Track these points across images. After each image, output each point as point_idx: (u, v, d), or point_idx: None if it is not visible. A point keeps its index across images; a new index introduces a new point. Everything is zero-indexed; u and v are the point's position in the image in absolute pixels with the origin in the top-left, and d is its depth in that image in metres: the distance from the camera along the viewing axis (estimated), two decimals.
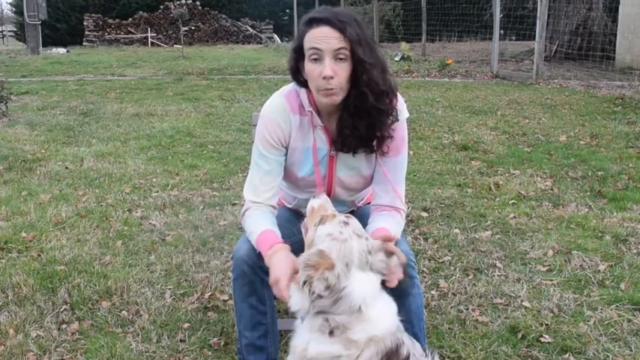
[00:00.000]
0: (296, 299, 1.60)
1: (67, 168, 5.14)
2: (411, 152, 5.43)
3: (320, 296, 1.53)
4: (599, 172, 4.83)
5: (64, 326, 2.62)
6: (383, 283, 1.65)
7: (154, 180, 4.80)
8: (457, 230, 3.70)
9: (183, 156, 5.58)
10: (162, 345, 2.48)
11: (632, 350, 2.41)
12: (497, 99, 8.61)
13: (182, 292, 2.94)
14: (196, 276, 3.10)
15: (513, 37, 17.69)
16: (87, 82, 11.16)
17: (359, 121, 1.85)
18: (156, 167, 5.18)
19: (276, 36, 25.07)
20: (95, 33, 24.11)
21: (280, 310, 2.68)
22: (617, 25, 13.10)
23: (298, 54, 1.86)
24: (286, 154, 2.01)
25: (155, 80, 11.37)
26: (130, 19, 24.74)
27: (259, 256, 1.87)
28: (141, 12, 24.88)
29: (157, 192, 4.50)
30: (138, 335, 2.55)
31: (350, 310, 1.54)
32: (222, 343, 2.50)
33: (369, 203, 2.19)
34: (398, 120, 1.92)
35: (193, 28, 24.45)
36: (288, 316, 2.58)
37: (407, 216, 2.03)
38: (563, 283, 2.99)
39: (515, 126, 6.73)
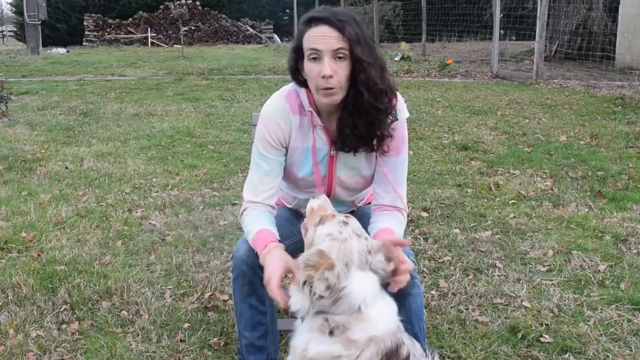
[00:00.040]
0: (296, 299, 1.60)
1: (67, 168, 5.14)
2: (411, 152, 5.43)
3: (321, 297, 1.53)
4: (599, 172, 4.83)
5: (64, 326, 2.62)
6: (385, 284, 1.66)
7: (154, 180, 4.80)
8: (457, 230, 3.70)
9: (183, 156, 5.58)
10: (162, 345, 2.48)
11: (632, 350, 2.41)
12: (497, 99, 8.61)
13: (182, 292, 2.94)
14: (196, 276, 3.10)
15: (513, 37, 17.70)
16: (87, 82, 11.16)
17: (358, 120, 1.85)
18: (156, 167, 5.18)
19: (276, 36, 25.07)
20: (95, 33, 24.11)
21: (280, 310, 2.68)
22: (617, 25, 13.10)
23: (298, 54, 1.86)
24: (286, 154, 2.01)
25: (155, 80, 11.38)
26: (130, 19, 24.74)
27: (258, 256, 1.87)
28: (141, 12, 24.88)
29: (157, 192, 4.50)
30: (138, 335, 2.55)
31: (350, 310, 1.54)
32: (222, 343, 2.50)
33: (369, 203, 2.19)
34: (397, 119, 1.91)
35: (193, 28, 24.46)
36: (288, 316, 2.58)
37: (407, 216, 2.03)
38: (563, 283, 2.99)
39: (515, 126, 6.73)
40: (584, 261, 3.22)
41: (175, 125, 6.94)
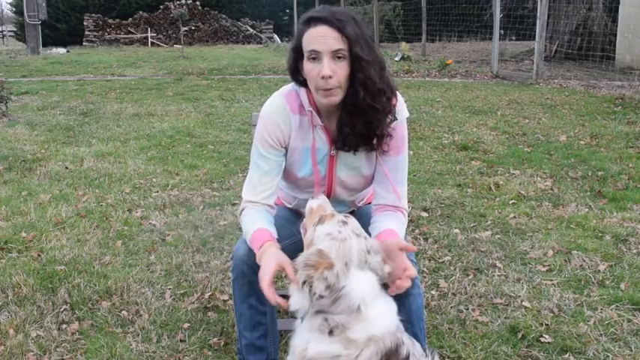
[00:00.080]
0: (295, 299, 1.61)
1: (67, 168, 5.14)
2: (411, 152, 5.43)
3: (320, 296, 1.53)
4: (599, 172, 4.83)
5: (64, 326, 2.62)
6: (385, 285, 1.66)
7: (154, 180, 4.80)
8: (457, 230, 3.70)
9: (183, 156, 5.58)
10: (162, 345, 2.48)
11: (632, 350, 2.41)
12: (497, 99, 8.61)
13: (182, 292, 2.94)
14: (196, 276, 3.10)
15: (513, 37, 17.70)
16: (87, 82, 11.16)
17: (357, 119, 1.85)
18: (156, 167, 5.18)
19: (276, 36, 25.07)
20: (95, 33, 24.11)
21: (280, 310, 2.68)
22: (617, 25, 13.10)
23: (297, 53, 1.86)
24: (286, 154, 2.01)
25: (155, 80, 11.38)
26: (130, 19, 24.75)
27: None
28: (141, 12, 24.89)
29: (157, 192, 4.50)
30: (138, 335, 2.55)
31: (349, 310, 1.54)
32: (222, 343, 2.50)
33: (369, 203, 2.18)
34: (397, 119, 1.91)
35: (193, 28, 24.46)
36: (288, 316, 2.58)
37: (407, 216, 2.03)
38: (563, 283, 2.99)
39: (515, 126, 6.73)
40: (584, 261, 3.22)
41: (175, 125, 6.94)
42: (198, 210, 4.10)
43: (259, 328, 2.07)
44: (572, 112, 7.50)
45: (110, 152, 5.70)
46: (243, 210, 1.98)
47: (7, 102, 7.51)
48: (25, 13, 18.04)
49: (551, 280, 3.01)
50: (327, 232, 1.60)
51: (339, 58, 1.78)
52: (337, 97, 1.82)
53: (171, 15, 23.13)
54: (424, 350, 1.71)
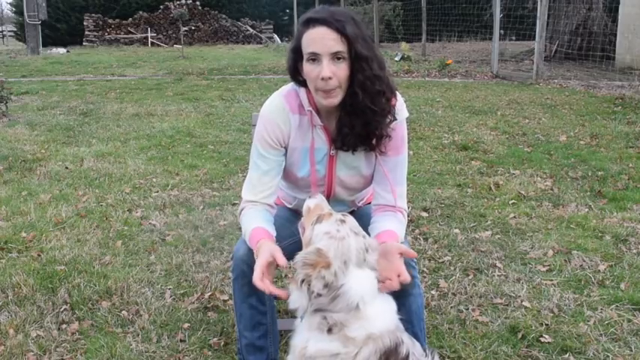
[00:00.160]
0: (294, 297, 1.61)
1: (67, 168, 5.14)
2: (411, 152, 5.43)
3: (319, 294, 1.53)
4: (599, 172, 4.83)
5: (64, 326, 2.62)
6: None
7: (154, 180, 4.80)
8: (457, 230, 3.70)
9: (183, 156, 5.58)
10: (162, 345, 2.48)
11: (632, 350, 2.41)
12: (497, 99, 8.61)
13: (182, 292, 2.94)
14: (196, 276, 3.10)
15: (513, 37, 17.70)
16: (87, 82, 11.16)
17: (355, 120, 1.86)
18: (156, 167, 5.18)
19: (276, 36, 25.08)
20: (95, 33, 24.11)
21: (280, 310, 2.68)
22: (617, 25, 13.10)
23: (297, 54, 1.86)
24: (286, 154, 2.01)
25: (155, 80, 11.38)
26: (130, 19, 24.75)
27: None
28: (141, 12, 24.89)
29: (157, 192, 4.50)
30: (138, 335, 2.55)
31: (347, 308, 1.54)
32: (222, 343, 2.50)
33: (369, 203, 2.19)
34: (396, 120, 1.91)
35: (193, 28, 24.46)
36: (288, 316, 2.58)
37: (407, 216, 2.03)
38: (563, 283, 2.99)
39: (515, 126, 6.73)
40: (584, 261, 3.22)
41: (175, 125, 6.94)
42: (198, 210, 4.11)
43: (259, 328, 2.07)
44: (572, 112, 7.50)
45: (110, 152, 5.70)
46: (242, 210, 1.98)
47: (7, 102, 7.51)
48: (25, 13, 18.04)
49: (551, 280, 3.01)
50: (326, 230, 1.60)
51: (339, 59, 1.78)
52: (337, 98, 1.82)
53: (171, 15, 23.13)
54: (424, 350, 1.71)
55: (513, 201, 4.22)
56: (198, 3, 25.02)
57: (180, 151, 5.79)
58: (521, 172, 4.90)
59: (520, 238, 3.56)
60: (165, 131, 6.61)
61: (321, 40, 1.76)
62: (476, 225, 3.79)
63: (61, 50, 19.56)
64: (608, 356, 2.37)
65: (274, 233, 1.89)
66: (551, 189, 4.48)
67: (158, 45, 23.49)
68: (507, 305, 2.79)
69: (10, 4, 30.63)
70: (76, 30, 24.60)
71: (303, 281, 1.54)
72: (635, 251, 3.36)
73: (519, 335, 2.52)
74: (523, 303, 2.79)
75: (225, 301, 2.83)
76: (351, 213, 2.10)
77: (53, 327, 2.60)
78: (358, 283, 1.56)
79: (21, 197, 4.37)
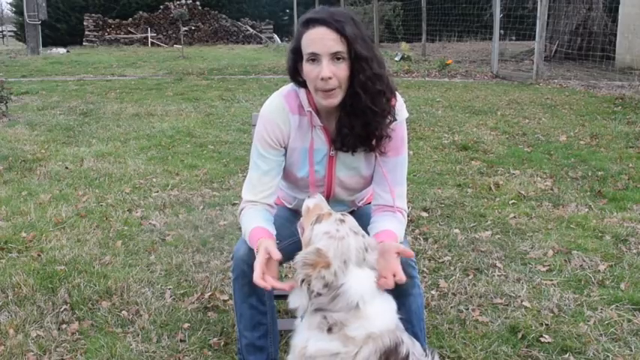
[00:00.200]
0: (294, 297, 1.61)
1: (67, 168, 5.14)
2: (411, 152, 5.43)
3: (319, 294, 1.54)
4: (599, 172, 4.83)
5: (64, 326, 2.62)
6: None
7: (154, 180, 4.80)
8: (457, 230, 3.70)
9: (183, 156, 5.58)
10: (162, 345, 2.48)
11: (632, 350, 2.41)
12: (497, 99, 8.61)
13: (182, 292, 2.94)
14: (196, 276, 3.10)
15: (513, 37, 17.70)
16: (87, 82, 11.16)
17: (355, 120, 1.86)
18: (156, 167, 5.18)
19: (276, 36, 25.07)
20: (95, 33, 24.11)
21: (280, 310, 2.68)
22: (617, 25, 13.10)
23: (296, 55, 1.86)
24: (285, 154, 2.01)
25: (155, 80, 11.38)
26: (130, 19, 24.74)
27: None
28: (141, 12, 24.88)
29: (157, 192, 4.50)
30: (138, 335, 2.55)
31: (347, 307, 1.54)
32: (222, 343, 2.50)
33: (369, 203, 2.19)
34: (396, 120, 1.92)
35: (193, 28, 24.46)
36: (288, 316, 2.58)
37: (407, 216, 2.03)
38: (563, 283, 2.99)
39: (515, 126, 6.73)
40: (584, 261, 3.22)
41: (175, 125, 6.94)
42: (198, 210, 4.11)
43: (260, 328, 2.07)
44: (572, 112, 7.50)
45: (110, 152, 5.70)
46: (242, 210, 1.98)
47: (7, 102, 7.51)
48: (25, 13, 18.04)
49: (551, 280, 3.01)
50: (325, 230, 1.61)
51: (339, 59, 1.78)
52: (337, 98, 1.82)
53: (171, 15, 23.13)
54: (424, 350, 1.71)
55: (513, 201, 4.23)
56: (198, 3, 25.01)
57: (180, 151, 5.79)
58: (521, 172, 4.90)
59: (520, 238, 3.56)
60: (165, 131, 6.61)
61: (320, 40, 1.76)
62: (476, 225, 3.79)
63: (61, 50, 19.56)
64: (608, 356, 2.37)
65: (274, 232, 1.89)
66: (551, 189, 4.48)
67: (158, 45, 23.50)
68: (507, 305, 2.79)
69: (10, 4, 30.64)
70: (76, 30, 24.60)
71: (303, 281, 1.54)
72: (635, 251, 3.36)
73: (519, 335, 2.52)
74: (523, 303, 2.79)
75: (225, 301, 2.83)
76: (351, 213, 2.10)
77: (53, 327, 2.60)
78: (358, 283, 1.56)
79: (21, 197, 4.37)
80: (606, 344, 2.44)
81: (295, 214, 2.22)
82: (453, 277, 3.06)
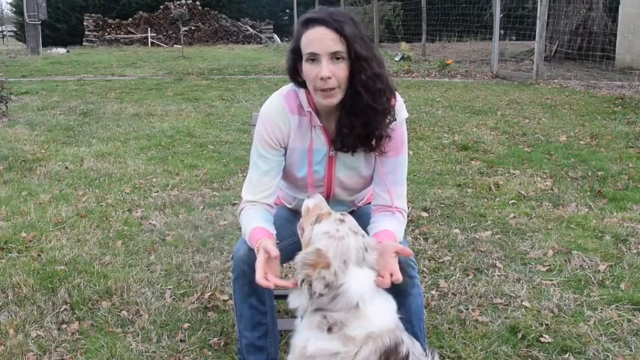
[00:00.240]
0: (294, 297, 1.61)
1: (67, 168, 5.14)
2: (411, 152, 5.43)
3: (320, 294, 1.54)
4: (599, 172, 4.83)
5: (64, 326, 2.62)
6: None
7: (154, 180, 4.80)
8: (457, 230, 3.70)
9: (183, 156, 5.58)
10: (162, 345, 2.48)
11: (632, 350, 2.41)
12: (497, 99, 8.61)
13: (182, 292, 2.94)
14: (196, 276, 3.10)
15: (513, 37, 17.70)
16: (87, 82, 11.16)
17: (355, 120, 1.86)
18: (156, 167, 5.18)
19: (276, 36, 25.07)
20: (95, 33, 24.11)
21: (280, 310, 2.68)
22: (617, 25, 13.10)
23: (296, 55, 1.86)
24: (285, 154, 2.01)
25: (155, 80, 11.38)
26: (130, 19, 24.74)
27: None
28: (141, 12, 24.88)
29: (157, 192, 4.50)
30: (138, 335, 2.55)
31: (347, 307, 1.54)
32: (222, 343, 2.50)
33: (369, 203, 2.19)
34: (396, 120, 1.92)
35: (193, 28, 24.46)
36: (288, 316, 2.58)
37: (407, 216, 2.03)
38: (563, 283, 2.99)
39: (515, 126, 6.73)
40: (584, 261, 3.22)
41: (175, 125, 6.94)
42: (198, 210, 4.11)
43: (260, 328, 2.07)
44: (572, 112, 7.50)
45: (110, 152, 5.70)
46: (242, 210, 1.98)
47: (7, 102, 7.51)
48: (25, 13, 18.04)
49: (551, 280, 3.01)
50: (325, 230, 1.61)
51: (338, 59, 1.78)
52: (336, 97, 1.82)
53: (171, 15, 23.13)
54: (424, 350, 1.71)
55: (513, 201, 4.23)
56: (198, 3, 25.01)
57: (180, 151, 5.79)
58: (521, 172, 4.90)
59: (520, 238, 3.56)
60: (165, 131, 6.61)
61: (320, 40, 1.77)
62: (476, 225, 3.79)
63: (61, 50, 19.56)
64: (608, 356, 2.37)
65: (274, 232, 1.89)
66: (551, 189, 4.48)
67: (158, 45, 23.50)
68: (507, 305, 2.79)
69: (10, 4, 30.64)
70: (76, 30, 24.60)
71: (303, 281, 1.55)
72: (635, 251, 3.36)
73: (519, 335, 2.52)
74: (523, 303, 2.79)
75: (225, 301, 2.83)
76: (351, 213, 2.10)
77: (53, 327, 2.60)
78: (358, 283, 1.56)
79: (21, 197, 4.37)
80: (606, 344, 2.44)
81: (295, 214, 2.22)
82: (453, 277, 3.06)
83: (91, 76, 12.41)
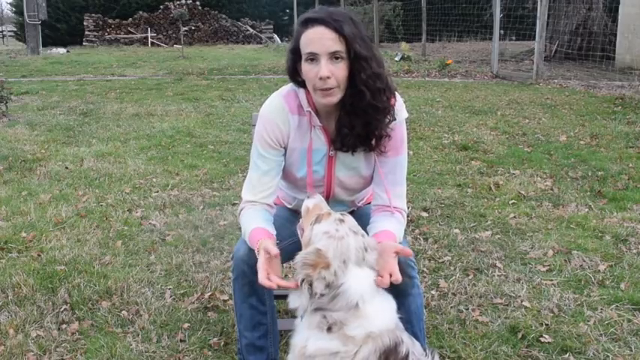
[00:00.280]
0: (294, 297, 1.61)
1: (67, 168, 5.14)
2: (411, 152, 5.43)
3: (321, 295, 1.54)
4: (599, 172, 4.83)
5: (64, 326, 2.62)
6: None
7: (154, 180, 4.80)
8: (457, 230, 3.70)
9: (183, 156, 5.58)
10: (162, 345, 2.48)
11: (632, 350, 2.41)
12: (497, 99, 8.61)
13: (182, 292, 2.94)
14: (196, 276, 3.10)
15: (513, 37, 17.70)
16: (87, 82, 11.16)
17: (355, 120, 1.86)
18: (156, 167, 5.18)
19: (276, 36, 25.07)
20: (95, 33, 24.11)
21: (280, 310, 2.68)
22: (617, 25, 13.10)
23: (295, 55, 1.86)
24: (285, 154, 2.01)
25: (155, 80, 11.38)
26: (130, 19, 24.74)
27: None
28: (141, 12, 24.88)
29: (157, 192, 4.50)
30: (138, 335, 2.55)
31: (347, 307, 1.55)
32: (222, 343, 2.50)
33: (369, 203, 2.19)
34: (395, 119, 1.92)
35: (193, 28, 24.45)
36: (288, 316, 2.58)
37: (407, 216, 2.03)
38: (563, 283, 2.99)
39: (515, 126, 6.73)
40: (584, 261, 3.22)
41: (175, 125, 6.94)
42: (198, 210, 4.11)
43: (260, 328, 2.07)
44: (572, 112, 7.50)
45: (110, 152, 5.70)
46: (242, 210, 1.98)
47: (7, 102, 7.51)
48: (25, 13, 18.04)
49: (551, 280, 3.01)
50: (325, 230, 1.61)
51: (337, 59, 1.78)
52: (335, 97, 1.82)
53: (171, 15, 23.12)
54: (424, 350, 1.71)
55: (513, 201, 4.23)
56: (198, 3, 25.01)
57: (180, 151, 5.79)
58: (521, 172, 4.90)
59: (520, 238, 3.56)
60: (165, 131, 6.61)
61: (319, 40, 1.77)
62: (476, 225, 3.79)
63: (61, 50, 19.56)
64: (608, 356, 2.37)
65: (274, 232, 1.89)
66: (551, 189, 4.48)
67: (158, 45, 23.50)
68: (507, 305, 2.79)
69: (10, 4, 30.64)
70: (76, 30, 24.59)
71: (303, 281, 1.55)
72: (635, 251, 3.36)
73: (519, 335, 2.52)
74: (523, 303, 2.79)
75: (225, 301, 2.83)
76: (351, 213, 2.10)
77: (53, 327, 2.60)
78: (357, 282, 1.56)
79: (21, 197, 4.37)
80: (606, 344, 2.44)
81: (295, 214, 2.22)
82: (453, 277, 3.06)
83: (91, 76, 12.41)
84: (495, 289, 2.93)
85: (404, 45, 16.66)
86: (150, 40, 23.85)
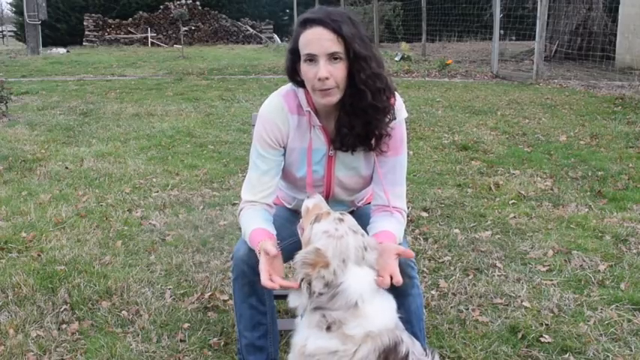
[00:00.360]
0: (294, 296, 1.61)
1: (67, 168, 5.14)
2: (411, 152, 5.43)
3: (320, 294, 1.54)
4: (599, 172, 4.83)
5: (64, 326, 2.62)
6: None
7: (154, 180, 4.80)
8: (457, 230, 3.70)
9: (183, 156, 5.58)
10: (162, 345, 2.48)
11: (632, 350, 2.41)
12: (497, 99, 8.61)
13: (182, 292, 2.94)
14: (196, 276, 3.10)
15: (513, 37, 17.70)
16: (87, 82, 11.16)
17: (355, 120, 1.86)
18: (156, 167, 5.18)
19: (276, 36, 25.07)
20: (95, 33, 24.11)
21: (280, 310, 2.69)
22: (617, 25, 13.10)
23: (294, 55, 1.86)
24: (285, 154, 2.01)
25: (155, 80, 11.38)
26: (130, 19, 24.74)
27: None
28: (141, 12, 24.88)
29: (157, 192, 4.50)
30: (138, 335, 2.55)
31: (346, 306, 1.55)
32: (222, 343, 2.50)
33: (369, 203, 2.19)
34: (395, 119, 1.92)
35: (193, 28, 24.45)
36: (288, 316, 2.58)
37: (407, 216, 2.03)
38: (563, 283, 2.99)
39: (515, 126, 6.73)
40: (584, 261, 3.22)
41: (175, 125, 6.94)
42: (198, 210, 4.11)
43: (259, 328, 2.07)
44: (572, 112, 7.50)
45: (110, 152, 5.70)
46: (241, 210, 1.98)
47: (7, 102, 7.51)
48: (25, 13, 18.03)
49: (551, 280, 3.01)
50: (324, 229, 1.61)
51: (336, 59, 1.78)
52: (335, 97, 1.82)
53: (171, 15, 23.12)
54: (424, 350, 1.71)
55: (513, 201, 4.22)
56: (198, 3, 25.01)
57: (180, 151, 5.79)
58: (521, 172, 4.90)
59: (520, 238, 3.56)
60: (165, 131, 6.61)
61: (317, 40, 1.76)
62: (476, 225, 3.79)
63: (61, 50, 19.56)
64: (608, 356, 2.37)
65: (274, 232, 1.89)
66: (551, 189, 4.48)
67: (158, 45, 23.50)
68: (507, 305, 2.79)
69: (10, 4, 30.64)
70: (76, 30, 24.59)
71: (302, 280, 1.55)
72: (635, 251, 3.36)
73: (519, 335, 2.52)
74: (523, 303, 2.79)
75: (225, 301, 2.83)
76: (351, 213, 2.10)
77: (53, 327, 2.60)
78: (357, 281, 1.56)
79: (21, 197, 4.37)
80: (606, 344, 2.44)
81: (295, 214, 2.22)
82: (453, 277, 3.06)
83: (91, 76, 12.41)
84: (495, 289, 2.93)
85: (404, 45, 16.66)
86: (150, 40, 23.85)
